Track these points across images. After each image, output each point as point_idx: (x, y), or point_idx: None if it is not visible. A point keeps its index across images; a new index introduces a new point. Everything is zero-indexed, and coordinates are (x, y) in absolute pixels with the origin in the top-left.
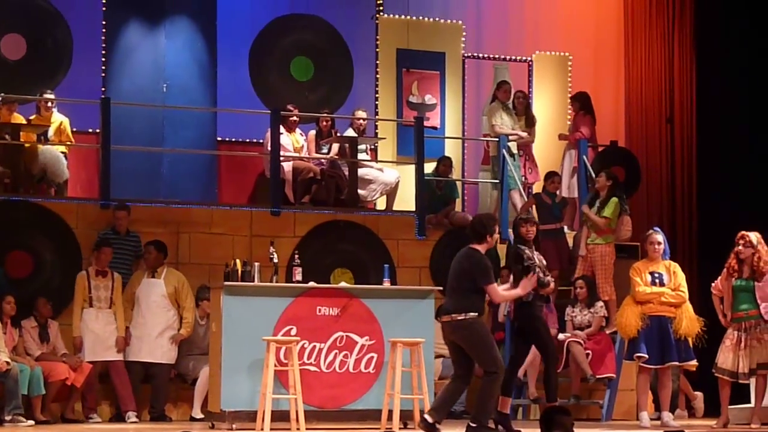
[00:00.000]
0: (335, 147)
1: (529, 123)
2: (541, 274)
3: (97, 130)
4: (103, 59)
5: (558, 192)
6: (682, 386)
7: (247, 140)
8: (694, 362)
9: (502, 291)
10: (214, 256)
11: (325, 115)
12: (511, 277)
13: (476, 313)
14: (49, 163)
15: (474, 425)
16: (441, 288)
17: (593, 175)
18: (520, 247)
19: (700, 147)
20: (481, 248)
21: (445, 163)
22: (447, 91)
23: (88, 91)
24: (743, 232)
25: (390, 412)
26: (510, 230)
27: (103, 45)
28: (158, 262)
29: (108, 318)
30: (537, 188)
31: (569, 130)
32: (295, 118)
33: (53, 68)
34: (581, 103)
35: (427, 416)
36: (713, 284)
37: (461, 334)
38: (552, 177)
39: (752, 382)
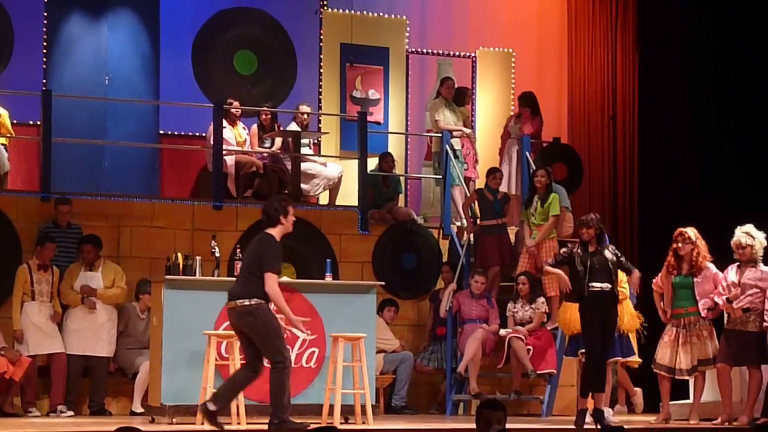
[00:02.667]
0: (278, 141)
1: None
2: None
3: (38, 123)
4: (45, 51)
5: (500, 188)
6: (622, 382)
7: (190, 134)
8: (636, 358)
9: (276, 287)
10: (156, 250)
11: (268, 109)
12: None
13: (262, 300)
14: None
15: (276, 422)
16: (383, 283)
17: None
18: (570, 247)
19: (642, 144)
20: (276, 232)
21: (386, 160)
22: (390, 87)
23: (28, 83)
24: (681, 229)
25: (331, 406)
26: (454, 225)
27: (45, 37)
28: (96, 257)
29: (50, 311)
30: (479, 184)
31: (511, 126)
32: (237, 111)
33: None
34: (528, 104)
35: (209, 404)
36: (654, 281)
37: (245, 320)
38: (494, 173)
39: (692, 378)
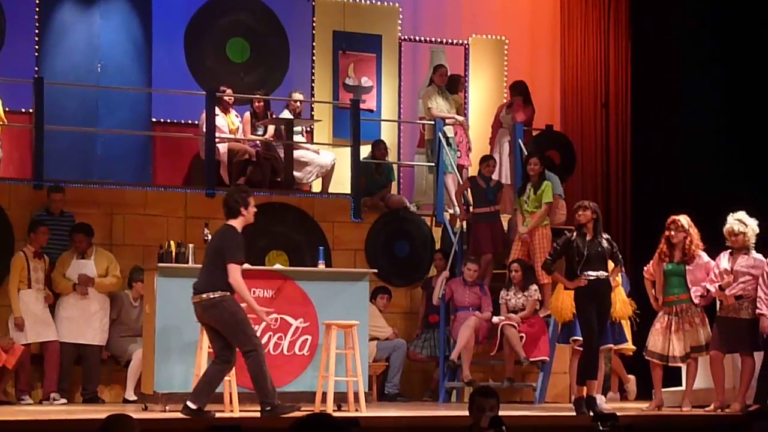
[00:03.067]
0: (271, 129)
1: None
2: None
3: (30, 110)
4: (37, 38)
5: (493, 176)
6: (616, 369)
7: (182, 121)
8: (629, 345)
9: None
10: (149, 238)
11: (261, 96)
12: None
13: (226, 292)
14: None
15: (268, 408)
16: (376, 271)
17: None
18: (568, 235)
19: (635, 131)
20: (237, 224)
21: (379, 147)
22: (383, 74)
23: (21, 71)
24: (674, 217)
25: (324, 394)
26: (446, 213)
27: (37, 24)
28: (88, 245)
29: (44, 299)
30: (472, 172)
31: (503, 116)
32: (230, 99)
33: None
34: (520, 93)
35: (189, 403)
36: (645, 268)
37: (211, 313)
38: (487, 161)
39: (684, 365)
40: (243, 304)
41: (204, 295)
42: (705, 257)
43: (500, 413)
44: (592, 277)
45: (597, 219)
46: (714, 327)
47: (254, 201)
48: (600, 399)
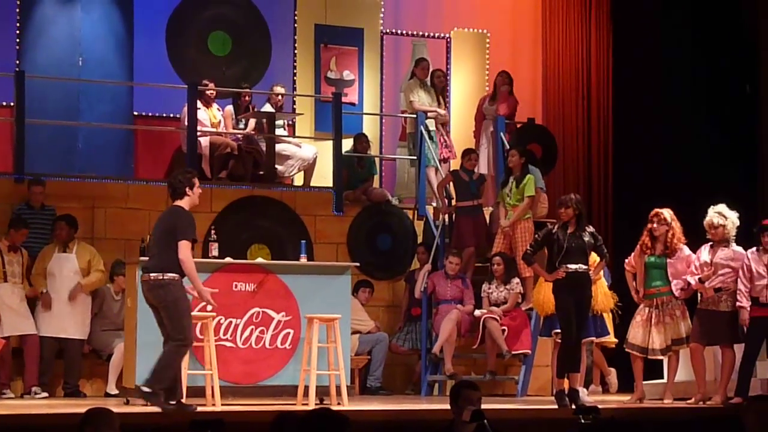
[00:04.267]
0: (252, 122)
1: (444, 103)
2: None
3: (11, 104)
4: (18, 32)
5: (475, 169)
6: (597, 362)
7: (164, 115)
8: (611, 338)
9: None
10: (130, 231)
11: (243, 90)
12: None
13: (176, 275)
14: None
15: (148, 390)
16: (358, 264)
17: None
18: (549, 227)
19: (616, 124)
20: (184, 204)
21: (361, 140)
22: (365, 67)
23: (1, 64)
24: (657, 210)
25: (306, 387)
26: (428, 207)
27: (18, 17)
28: (69, 237)
29: (22, 293)
30: (454, 165)
31: (486, 107)
32: (212, 93)
33: None
34: (508, 82)
35: (143, 387)
36: (627, 260)
37: (156, 293)
38: (469, 154)
39: (665, 358)
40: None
41: (152, 275)
42: (686, 250)
43: (482, 407)
44: (571, 270)
45: (580, 214)
46: (694, 319)
47: (199, 184)
48: (582, 392)
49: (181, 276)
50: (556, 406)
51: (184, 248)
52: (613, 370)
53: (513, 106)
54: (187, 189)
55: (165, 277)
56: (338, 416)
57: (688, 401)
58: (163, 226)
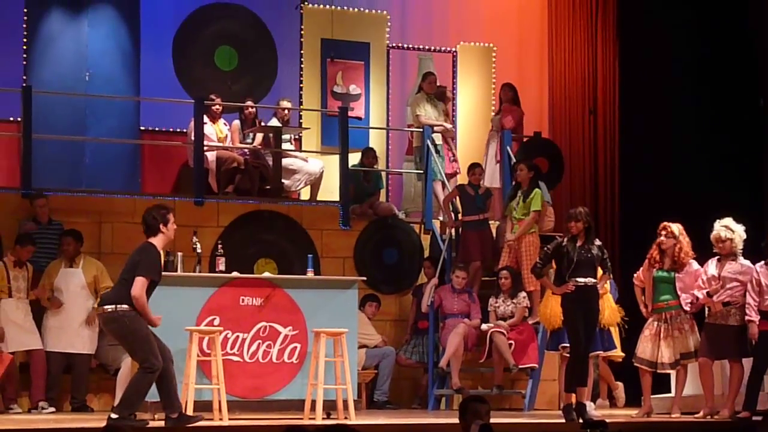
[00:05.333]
0: (259, 137)
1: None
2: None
3: (19, 119)
4: (25, 47)
5: (481, 183)
6: (604, 375)
7: (171, 129)
8: (618, 352)
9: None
10: (137, 246)
11: (250, 104)
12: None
13: (128, 306)
14: None
15: (115, 416)
16: (365, 278)
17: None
18: (558, 240)
19: (623, 138)
20: (158, 241)
21: (369, 155)
22: (371, 82)
23: (9, 80)
24: (665, 223)
25: (313, 402)
26: (435, 221)
27: (25, 33)
28: (76, 251)
29: (27, 308)
30: (461, 180)
31: (494, 117)
32: (218, 107)
33: None
34: (513, 94)
35: (111, 413)
36: (635, 275)
37: (111, 327)
38: (474, 168)
39: (674, 372)
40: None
41: (107, 307)
42: (695, 265)
43: (490, 420)
44: (580, 284)
45: (589, 227)
46: (702, 334)
47: (173, 218)
48: (589, 406)
49: (132, 308)
50: (563, 420)
51: (139, 284)
52: (620, 384)
53: (518, 118)
54: (161, 226)
55: (118, 309)
56: (354, 431)
57: (697, 415)
58: (129, 260)
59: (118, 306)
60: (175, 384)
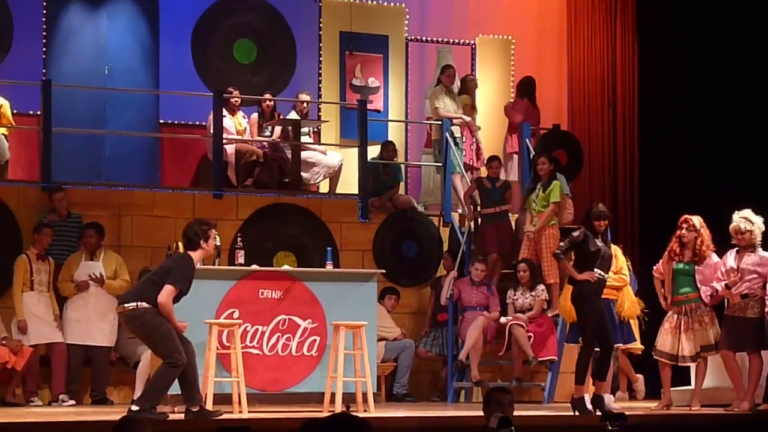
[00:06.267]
0: (278, 130)
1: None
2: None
3: (38, 113)
4: (44, 41)
5: (500, 176)
6: (624, 368)
7: (190, 123)
8: (638, 344)
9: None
10: (157, 239)
11: (268, 97)
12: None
13: (149, 304)
14: None
15: (136, 409)
16: (384, 271)
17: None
18: (588, 234)
19: (642, 131)
20: (196, 255)
21: (388, 148)
22: (390, 74)
23: (28, 73)
24: (686, 216)
25: (332, 395)
26: (453, 213)
27: (44, 26)
28: (98, 244)
29: (48, 301)
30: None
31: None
32: (237, 100)
33: None
34: (527, 94)
35: (132, 405)
36: (655, 267)
37: (132, 324)
38: (492, 161)
39: (694, 365)
40: None
41: (125, 305)
42: (715, 258)
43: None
44: (603, 277)
45: (607, 226)
46: (722, 326)
47: (214, 233)
48: (608, 398)
49: (154, 306)
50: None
51: (166, 292)
52: (640, 376)
53: (530, 116)
54: (201, 241)
55: (139, 307)
56: (359, 421)
57: (728, 408)
58: (164, 265)
59: (139, 303)
60: (197, 378)
